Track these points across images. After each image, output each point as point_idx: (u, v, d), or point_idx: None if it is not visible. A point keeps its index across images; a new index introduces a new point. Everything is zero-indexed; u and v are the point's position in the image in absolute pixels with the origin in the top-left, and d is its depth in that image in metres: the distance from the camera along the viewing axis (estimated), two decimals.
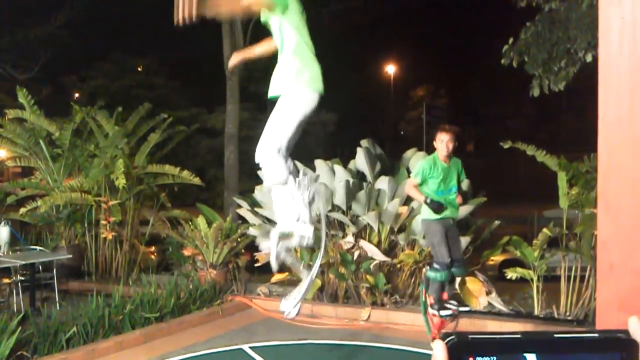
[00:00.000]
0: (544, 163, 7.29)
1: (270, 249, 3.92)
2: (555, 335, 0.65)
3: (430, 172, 5.45)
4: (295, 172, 4.06)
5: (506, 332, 0.68)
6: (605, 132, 2.20)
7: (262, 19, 4.18)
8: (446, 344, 0.65)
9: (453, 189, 5.54)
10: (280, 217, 4.06)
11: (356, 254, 7.50)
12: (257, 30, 16.32)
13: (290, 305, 3.99)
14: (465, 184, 5.93)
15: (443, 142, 5.42)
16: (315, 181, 4.22)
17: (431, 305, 5.50)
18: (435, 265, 5.46)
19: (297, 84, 3.95)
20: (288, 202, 4.02)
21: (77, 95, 20.04)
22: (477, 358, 0.64)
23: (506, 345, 0.65)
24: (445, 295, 5.55)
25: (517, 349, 0.64)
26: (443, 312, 5.41)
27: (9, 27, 17.30)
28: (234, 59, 4.72)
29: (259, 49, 4.46)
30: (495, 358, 0.64)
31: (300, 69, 3.97)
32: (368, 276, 7.33)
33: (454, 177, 5.55)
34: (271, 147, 3.95)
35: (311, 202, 4.02)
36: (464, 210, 7.35)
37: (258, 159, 4.00)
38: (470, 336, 0.66)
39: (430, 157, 5.56)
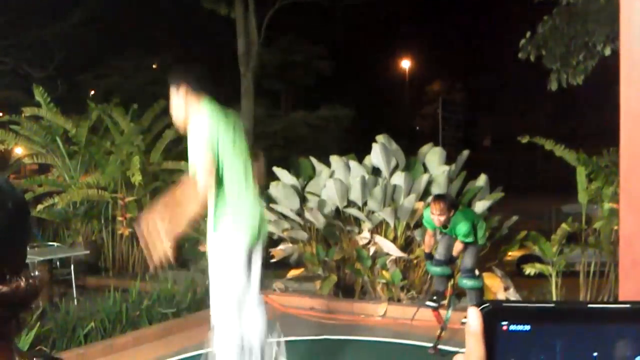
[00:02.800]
0: (562, 157, 7.22)
1: None
2: (589, 306, 0.65)
3: (433, 224, 5.70)
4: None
5: (540, 300, 0.68)
6: (628, 127, 2.15)
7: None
8: (481, 310, 0.65)
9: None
10: None
11: (372, 249, 7.47)
12: (272, 26, 16.34)
13: None
14: (468, 260, 5.78)
15: (434, 215, 5.54)
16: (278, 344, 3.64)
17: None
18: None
19: (230, 227, 3.43)
20: None
21: (92, 92, 20.16)
22: (511, 325, 0.64)
23: (540, 314, 0.65)
24: (446, 292, 5.89)
25: (551, 318, 0.64)
26: (428, 303, 5.86)
27: (24, 25, 17.42)
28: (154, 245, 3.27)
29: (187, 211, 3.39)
30: (529, 326, 0.64)
31: (237, 218, 3.44)
32: (384, 272, 7.30)
33: (453, 233, 5.71)
34: (229, 307, 3.43)
35: None
36: (482, 206, 7.31)
37: (214, 321, 3.50)
38: (504, 304, 0.66)
39: (430, 215, 5.67)
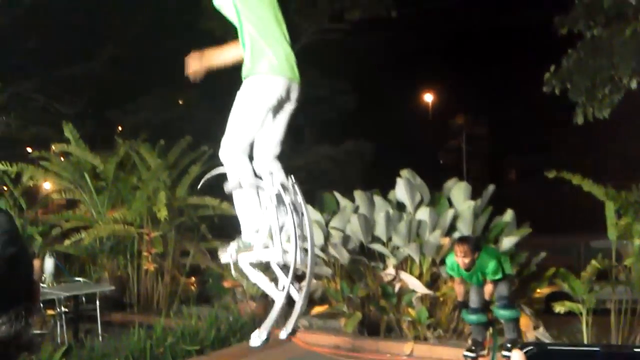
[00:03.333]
0: (590, 192, 7.10)
1: (226, 259, 3.48)
2: (635, 350, 0.62)
3: (458, 271, 5.69)
4: (275, 182, 3.55)
5: (585, 344, 0.64)
6: None
7: (215, 3, 3.64)
8: (525, 353, 0.63)
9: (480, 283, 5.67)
10: (243, 225, 3.59)
11: (397, 286, 7.38)
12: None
13: (256, 333, 3.32)
14: (503, 288, 5.62)
15: (456, 254, 5.55)
16: (295, 194, 3.56)
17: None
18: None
19: (257, 69, 3.47)
20: (250, 209, 3.54)
21: (120, 128, 20.51)
22: None
23: (585, 358, 0.63)
24: (485, 342, 5.74)
25: None
26: (466, 353, 5.71)
27: (56, 63, 17.90)
28: (194, 64, 3.81)
29: (227, 54, 3.82)
30: None
31: (260, 52, 3.47)
32: (410, 309, 7.20)
33: (480, 277, 5.61)
34: (234, 146, 3.51)
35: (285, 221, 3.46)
36: (509, 242, 7.20)
37: (221, 157, 3.57)
38: (549, 347, 0.64)
39: (452, 262, 5.64)
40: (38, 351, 5.52)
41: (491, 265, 5.42)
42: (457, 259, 5.50)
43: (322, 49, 16.94)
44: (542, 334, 6.67)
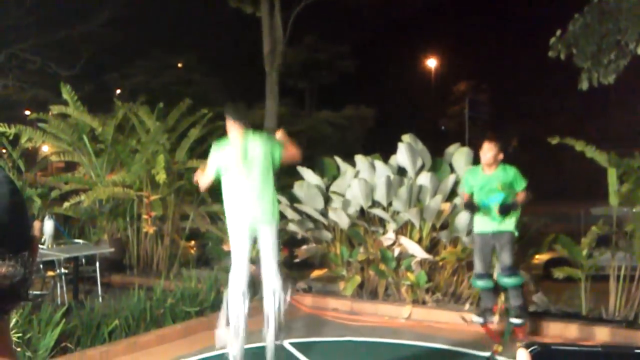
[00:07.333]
0: (591, 159, 7.05)
1: None
2: (637, 351, 0.63)
3: (470, 181, 5.69)
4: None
5: (587, 344, 0.63)
6: None
7: None
8: (530, 352, 0.65)
9: (492, 199, 5.50)
10: None
11: (397, 251, 7.39)
12: (297, 25, 16.36)
13: None
14: (521, 195, 5.65)
15: (482, 150, 5.53)
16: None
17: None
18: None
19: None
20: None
21: (118, 91, 20.36)
22: None
23: (587, 357, 0.64)
24: (495, 307, 5.79)
25: None
26: (474, 318, 5.80)
27: (53, 25, 17.68)
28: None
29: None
30: None
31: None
32: (409, 273, 7.21)
33: (494, 188, 5.48)
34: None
35: None
36: None
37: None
38: (553, 346, 0.66)
39: (474, 167, 5.63)
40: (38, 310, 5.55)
41: (519, 174, 5.51)
42: (482, 153, 5.46)
43: (323, 12, 16.70)
44: (540, 299, 6.71)
